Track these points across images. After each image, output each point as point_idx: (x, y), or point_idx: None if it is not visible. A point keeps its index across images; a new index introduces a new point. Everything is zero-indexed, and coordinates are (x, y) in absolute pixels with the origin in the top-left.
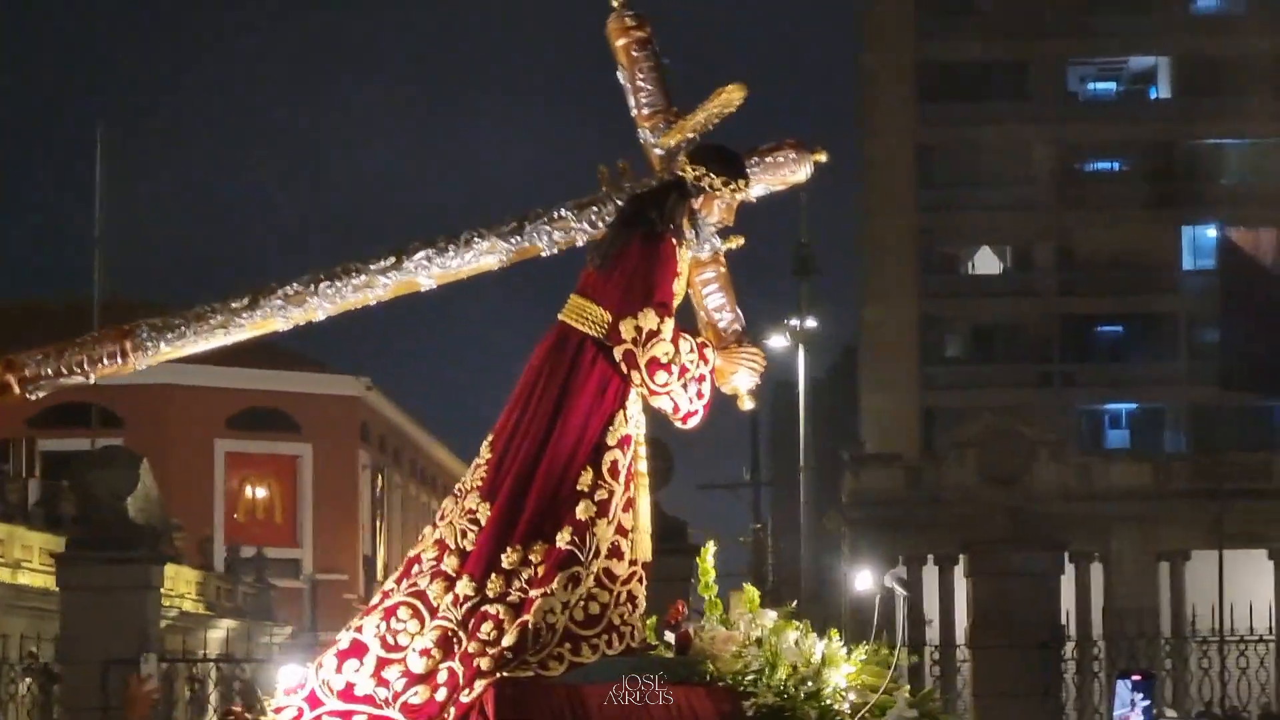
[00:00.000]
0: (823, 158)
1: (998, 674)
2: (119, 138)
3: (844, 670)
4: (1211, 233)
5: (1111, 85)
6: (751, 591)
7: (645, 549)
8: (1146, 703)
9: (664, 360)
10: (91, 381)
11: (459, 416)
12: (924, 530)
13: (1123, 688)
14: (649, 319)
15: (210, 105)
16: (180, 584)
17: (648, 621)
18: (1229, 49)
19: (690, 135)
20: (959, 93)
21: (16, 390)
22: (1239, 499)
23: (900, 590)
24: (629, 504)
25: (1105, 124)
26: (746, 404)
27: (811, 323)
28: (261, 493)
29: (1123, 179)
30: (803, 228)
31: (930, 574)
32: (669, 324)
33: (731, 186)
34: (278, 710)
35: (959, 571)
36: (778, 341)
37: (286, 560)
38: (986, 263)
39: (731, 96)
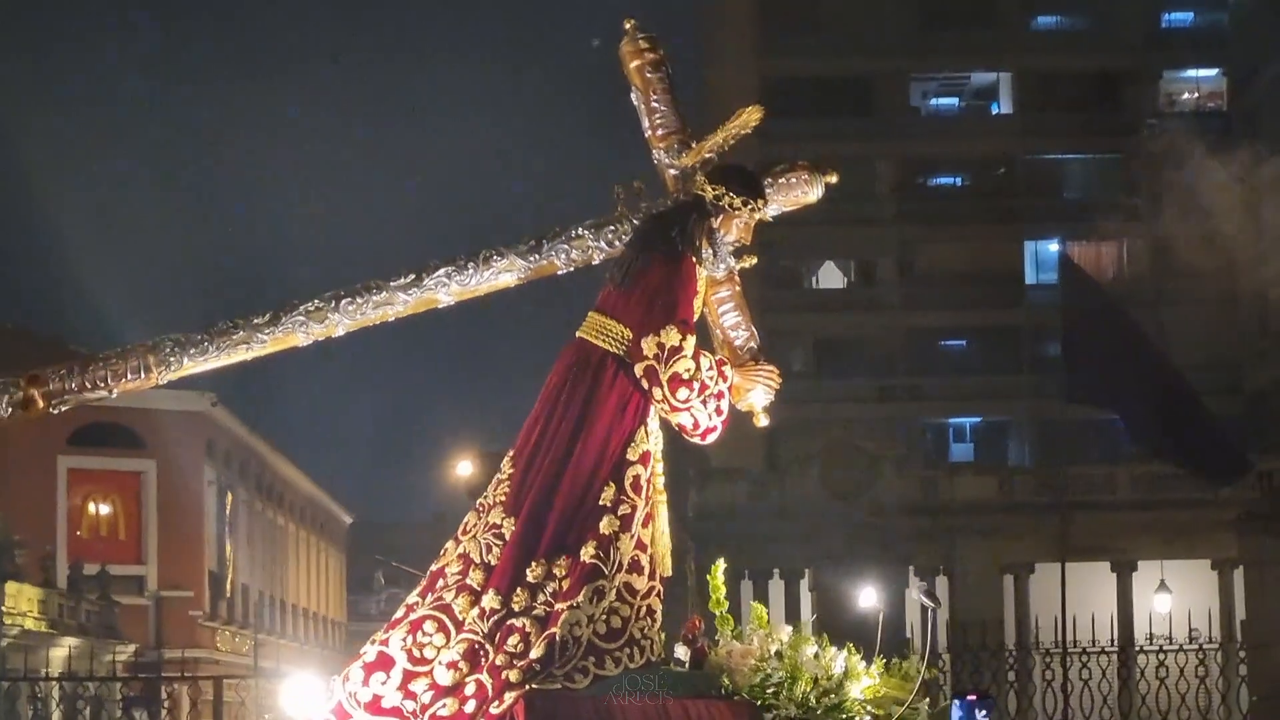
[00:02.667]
0: (834, 179)
1: None
2: None
3: (864, 683)
4: (1054, 247)
5: (954, 101)
6: (760, 608)
7: (664, 564)
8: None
9: (685, 376)
10: (114, 396)
11: (307, 432)
12: (769, 544)
13: (961, 707)
14: (671, 336)
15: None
16: (22, 602)
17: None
18: (1069, 65)
19: (708, 155)
20: (802, 108)
21: (41, 405)
22: (1082, 512)
23: (928, 603)
24: (648, 519)
25: (947, 139)
26: (762, 420)
27: None
28: (105, 509)
29: (965, 194)
30: None
31: (776, 587)
32: (690, 341)
33: (750, 206)
34: None
35: (805, 585)
36: None
37: (130, 577)
38: (830, 277)
39: (749, 118)
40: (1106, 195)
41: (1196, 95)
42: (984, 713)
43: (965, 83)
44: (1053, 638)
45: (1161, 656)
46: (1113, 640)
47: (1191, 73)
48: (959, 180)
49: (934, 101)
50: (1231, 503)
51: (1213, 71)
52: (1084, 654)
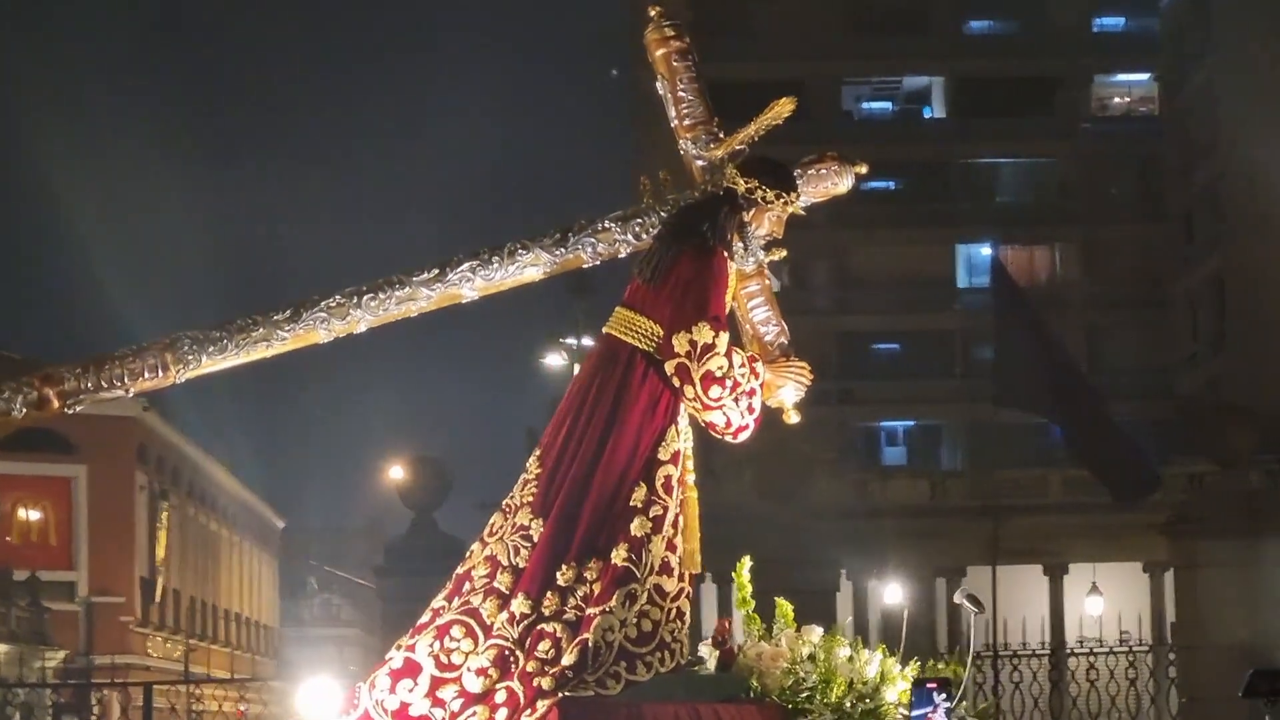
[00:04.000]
0: (863, 169)
1: None
2: None
3: (899, 687)
4: (986, 251)
5: (887, 105)
6: (786, 606)
7: (693, 561)
8: (949, 705)
9: (718, 374)
10: (130, 395)
11: (239, 437)
12: (702, 547)
13: (923, 692)
14: (703, 333)
15: None
16: None
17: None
18: (1002, 70)
19: (739, 148)
20: (734, 113)
21: (56, 404)
22: (1014, 515)
23: (970, 607)
24: (677, 520)
25: (880, 143)
26: (793, 417)
27: (588, 341)
28: (35, 515)
29: (898, 198)
30: None
31: (709, 591)
32: (723, 338)
33: (783, 199)
34: None
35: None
36: (554, 360)
37: (61, 583)
38: None
39: (781, 110)
40: (1039, 199)
41: (1128, 100)
42: (943, 697)
43: (898, 87)
44: (984, 640)
45: (1092, 659)
46: (1044, 643)
47: (1123, 77)
48: (892, 184)
49: (867, 106)
50: (1163, 505)
51: (1144, 76)
52: (1015, 656)
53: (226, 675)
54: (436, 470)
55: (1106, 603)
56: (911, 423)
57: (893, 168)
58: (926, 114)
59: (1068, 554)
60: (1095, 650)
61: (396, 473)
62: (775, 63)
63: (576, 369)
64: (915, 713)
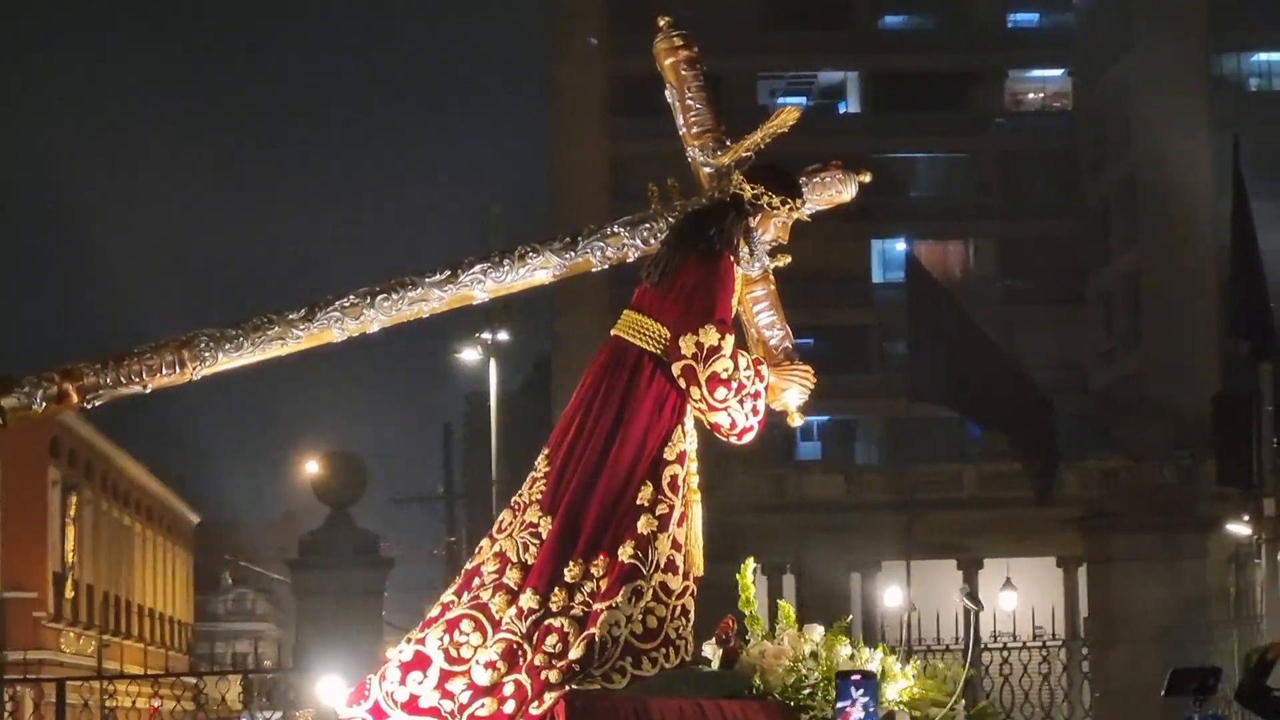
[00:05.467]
0: (867, 178)
1: None
2: None
3: (900, 685)
4: (901, 246)
5: (801, 99)
6: (787, 608)
7: (697, 563)
8: (867, 699)
9: (724, 376)
10: (148, 391)
11: (154, 430)
12: None
13: (846, 685)
14: (710, 335)
15: None
16: None
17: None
18: (917, 65)
19: (745, 154)
20: (650, 107)
21: (75, 399)
22: (929, 510)
23: (971, 605)
24: (682, 518)
25: (795, 137)
26: (796, 420)
27: (504, 336)
28: None
29: None
30: (494, 240)
31: None
32: (729, 340)
33: (789, 205)
34: None
35: None
36: (470, 355)
37: None
38: None
39: (787, 118)
40: (953, 194)
41: (1042, 95)
42: (861, 692)
43: (813, 81)
44: (899, 635)
45: (1006, 654)
46: (957, 638)
47: (1038, 73)
48: None
49: (782, 100)
50: (1077, 501)
51: (1058, 72)
52: (929, 652)
53: (140, 671)
54: (352, 465)
55: (1021, 598)
56: (827, 418)
57: (807, 161)
58: (842, 109)
59: (983, 549)
60: (1009, 645)
61: (313, 468)
62: None
63: (493, 364)
64: (838, 704)
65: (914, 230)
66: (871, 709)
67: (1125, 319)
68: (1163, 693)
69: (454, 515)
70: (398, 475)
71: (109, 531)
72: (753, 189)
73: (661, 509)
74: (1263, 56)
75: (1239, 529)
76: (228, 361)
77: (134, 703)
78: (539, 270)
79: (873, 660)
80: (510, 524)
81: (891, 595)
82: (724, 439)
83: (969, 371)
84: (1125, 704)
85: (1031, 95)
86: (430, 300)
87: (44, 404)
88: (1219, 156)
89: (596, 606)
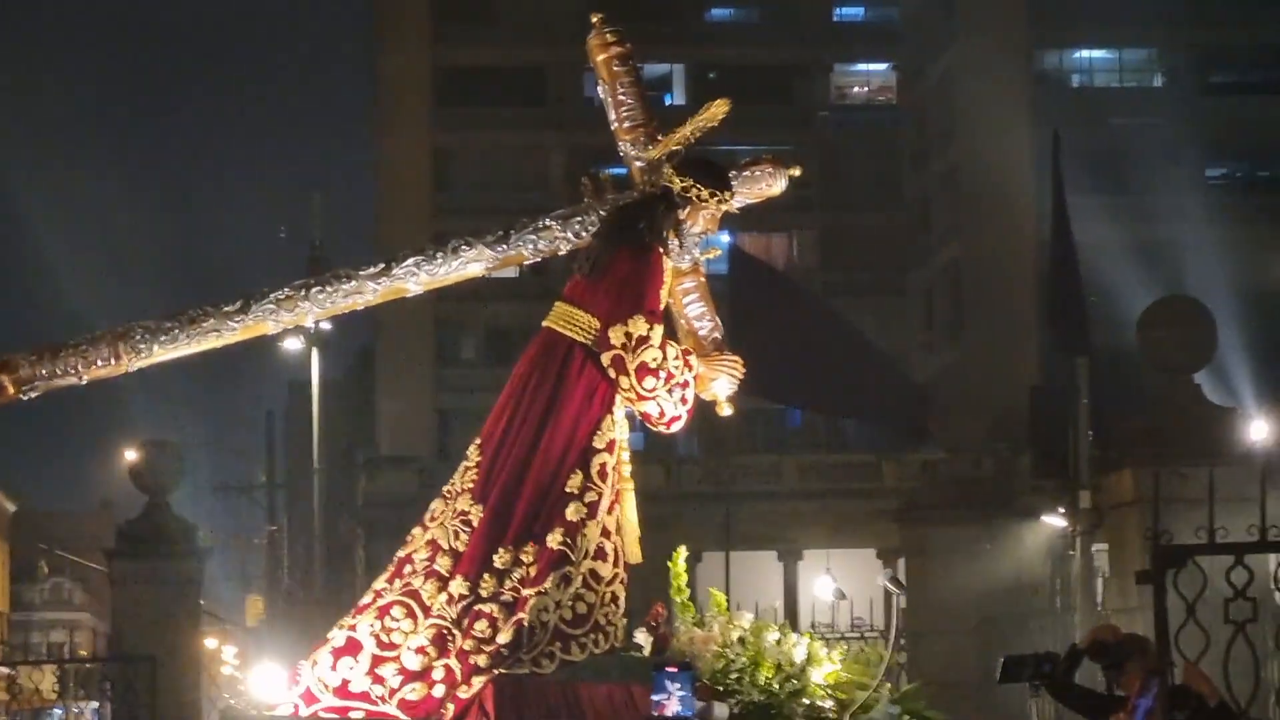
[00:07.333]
0: (796, 172)
1: None
2: None
3: (825, 669)
4: (724, 238)
5: None
6: (720, 596)
7: (631, 552)
8: (684, 693)
9: (653, 366)
10: (84, 383)
11: None
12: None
13: (661, 678)
14: (639, 325)
15: None
16: None
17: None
18: (742, 57)
19: (675, 148)
20: (476, 97)
21: (10, 391)
22: (748, 501)
23: (893, 589)
24: (613, 506)
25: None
26: (726, 410)
27: (325, 324)
28: None
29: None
30: (316, 229)
31: None
32: (658, 331)
33: (717, 198)
34: (272, 708)
35: None
36: (292, 344)
37: None
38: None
39: (716, 111)
40: None
41: (867, 89)
42: (677, 685)
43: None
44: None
45: (826, 645)
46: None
47: (862, 67)
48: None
49: None
50: (895, 493)
51: (883, 66)
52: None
53: None
54: (170, 453)
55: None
56: None
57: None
58: (667, 101)
59: (802, 540)
60: (827, 636)
61: (131, 456)
62: (515, 49)
63: (315, 353)
64: (654, 697)
65: (736, 223)
66: (688, 700)
67: (946, 312)
68: (997, 680)
69: (275, 504)
70: (220, 464)
71: None
72: (682, 182)
73: (591, 496)
74: (1084, 53)
75: (1056, 521)
76: (163, 353)
77: None
78: (472, 263)
79: (799, 645)
80: (442, 512)
81: (822, 586)
82: (654, 428)
83: (803, 354)
84: (943, 694)
85: (856, 89)
86: (365, 293)
87: None
88: (1040, 152)
89: (526, 592)
